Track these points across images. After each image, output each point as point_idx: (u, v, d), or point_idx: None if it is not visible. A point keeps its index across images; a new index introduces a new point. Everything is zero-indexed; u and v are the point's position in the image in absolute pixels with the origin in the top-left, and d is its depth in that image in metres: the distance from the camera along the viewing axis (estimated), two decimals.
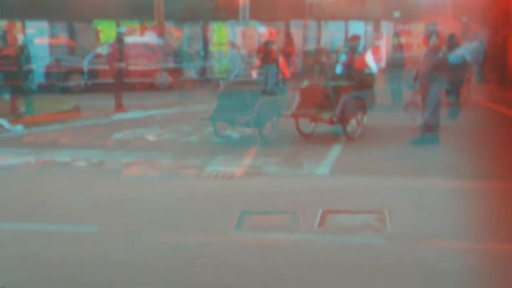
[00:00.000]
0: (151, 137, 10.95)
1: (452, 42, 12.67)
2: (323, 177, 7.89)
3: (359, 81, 10.84)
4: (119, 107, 14.84)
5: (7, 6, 18.49)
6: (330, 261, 4.77)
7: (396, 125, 11.77)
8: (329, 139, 10.51)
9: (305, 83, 11.15)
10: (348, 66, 11.07)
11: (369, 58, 11.34)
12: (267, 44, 11.96)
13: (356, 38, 11.72)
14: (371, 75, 11.24)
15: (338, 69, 11.27)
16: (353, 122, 10.93)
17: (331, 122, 10.30)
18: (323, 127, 11.14)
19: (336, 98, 10.32)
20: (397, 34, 15.97)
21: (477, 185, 7.28)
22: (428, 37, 11.18)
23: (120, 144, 10.34)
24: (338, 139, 10.44)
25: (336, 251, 5.06)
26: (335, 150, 9.57)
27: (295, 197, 6.78)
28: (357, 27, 25.74)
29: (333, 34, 26.28)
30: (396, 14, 26.88)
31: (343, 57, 11.35)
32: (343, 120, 10.37)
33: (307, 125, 10.90)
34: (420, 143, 9.76)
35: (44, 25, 23.06)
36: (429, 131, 10.00)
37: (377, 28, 27.02)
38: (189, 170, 8.16)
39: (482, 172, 7.89)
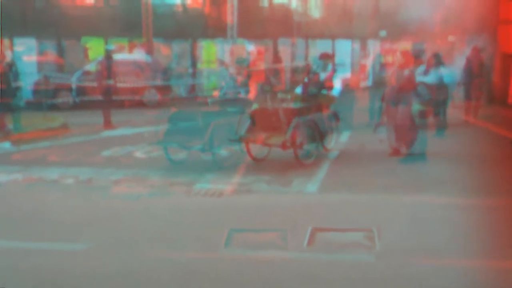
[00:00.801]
0: (140, 154, 10.96)
1: (438, 61, 12.84)
2: (312, 194, 7.93)
3: (315, 102, 10.32)
4: (108, 124, 14.83)
5: None
6: (320, 278, 4.80)
7: (369, 146, 11.43)
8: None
9: (255, 106, 10.29)
10: (307, 86, 10.44)
11: (336, 78, 11.08)
12: (237, 61, 11.91)
13: (325, 56, 11.18)
14: (329, 96, 10.78)
15: (298, 89, 10.61)
16: (313, 146, 10.20)
17: (284, 147, 9.58)
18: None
19: (287, 121, 9.67)
20: (379, 54, 16.13)
21: (467, 201, 7.33)
22: (415, 56, 11.32)
23: (108, 161, 10.33)
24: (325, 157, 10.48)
25: (326, 268, 5.09)
26: (324, 168, 9.62)
27: (284, 214, 6.81)
28: (344, 46, 26.00)
29: (320, 52, 26.48)
30: (383, 33, 27.18)
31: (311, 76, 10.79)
32: (295, 144, 9.66)
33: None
34: (407, 161, 9.82)
35: (32, 42, 23.06)
36: (397, 154, 10.03)
37: (364, 47, 27.30)
38: (179, 187, 8.17)
39: (472, 188, 7.96)
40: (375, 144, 11.00)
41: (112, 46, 17.44)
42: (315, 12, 29.48)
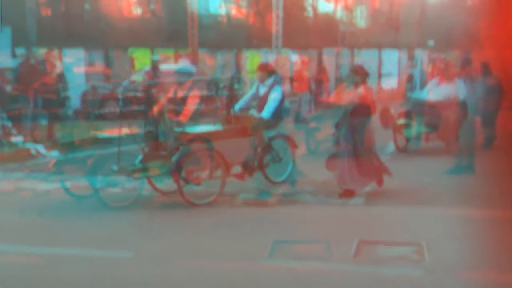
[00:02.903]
0: None
1: (485, 71, 11.87)
2: (357, 206, 7.77)
3: (234, 125, 8.43)
4: None
5: (45, 34, 19.00)
6: None
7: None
8: None
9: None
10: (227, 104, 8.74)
11: (275, 94, 8.38)
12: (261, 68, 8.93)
13: (263, 67, 8.82)
14: (255, 119, 8.42)
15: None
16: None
17: (175, 178, 7.61)
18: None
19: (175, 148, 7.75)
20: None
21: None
22: (462, 65, 10.60)
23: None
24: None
25: (374, 282, 4.96)
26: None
27: (329, 226, 6.69)
28: (391, 55, 25.67)
29: (366, 63, 26.23)
30: (430, 42, 26.76)
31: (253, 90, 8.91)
32: (177, 178, 7.59)
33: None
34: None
35: (81, 53, 23.54)
36: (348, 195, 7.96)
37: (411, 57, 26.91)
38: (223, 197, 8.11)
39: None
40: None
41: (157, 56, 17.63)
42: (361, 21, 29.28)
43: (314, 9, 29.03)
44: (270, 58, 25.38)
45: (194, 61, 23.08)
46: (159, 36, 23.43)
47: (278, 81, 8.67)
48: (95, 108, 19.39)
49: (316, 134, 11.25)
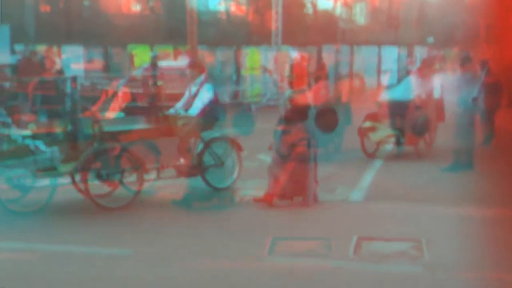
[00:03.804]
0: None
1: (483, 68, 11.42)
2: (357, 202, 7.77)
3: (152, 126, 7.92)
4: None
5: (44, 31, 18.97)
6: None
7: None
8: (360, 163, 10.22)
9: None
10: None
11: (204, 92, 7.93)
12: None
13: (192, 65, 8.63)
14: (182, 118, 7.96)
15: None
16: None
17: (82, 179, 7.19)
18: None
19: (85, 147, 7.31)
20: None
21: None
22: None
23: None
24: (371, 163, 10.18)
25: (373, 278, 4.96)
26: (369, 175, 9.40)
27: (328, 222, 6.70)
28: (390, 52, 25.65)
29: (366, 59, 26.22)
30: (430, 40, 26.73)
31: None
32: (84, 179, 7.18)
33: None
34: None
35: (80, 50, 23.52)
36: (268, 201, 7.22)
37: (411, 53, 26.90)
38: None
39: None
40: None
41: (155, 53, 17.63)
42: (360, 18, 29.25)
43: (314, 6, 29.00)
44: (270, 55, 25.40)
45: (194, 58, 23.06)
46: (158, 33, 23.40)
47: (209, 80, 8.21)
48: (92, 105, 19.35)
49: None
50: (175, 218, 7.07)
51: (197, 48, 23.36)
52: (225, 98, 19.90)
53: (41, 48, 14.56)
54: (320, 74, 11.13)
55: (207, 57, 24.23)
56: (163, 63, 18.33)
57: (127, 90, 8.41)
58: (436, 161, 9.99)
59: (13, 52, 16.93)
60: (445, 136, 10.30)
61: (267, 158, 9.58)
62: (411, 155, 10.66)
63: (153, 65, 15.22)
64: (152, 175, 7.69)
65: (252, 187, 8.27)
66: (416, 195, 7.98)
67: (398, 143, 10.86)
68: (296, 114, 7.47)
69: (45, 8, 25.44)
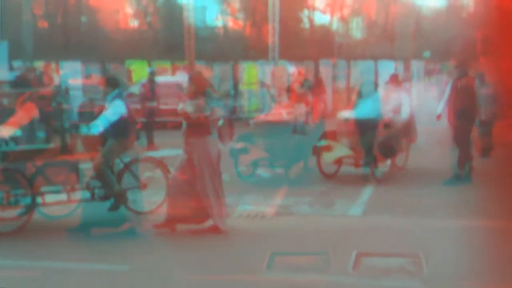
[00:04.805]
0: None
1: (481, 81, 11.70)
2: (356, 217, 7.77)
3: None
4: (151, 146, 14.99)
5: (42, 47, 19.05)
6: None
7: None
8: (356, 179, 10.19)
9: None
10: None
11: (111, 109, 7.47)
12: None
13: (102, 82, 8.21)
14: (81, 136, 7.83)
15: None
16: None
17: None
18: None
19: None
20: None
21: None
22: (457, 76, 9.45)
23: (149, 182, 10.26)
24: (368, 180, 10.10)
25: None
26: (368, 190, 9.37)
27: (327, 237, 6.69)
28: (387, 67, 25.74)
29: (362, 74, 26.32)
30: (426, 54, 26.87)
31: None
32: None
33: None
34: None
35: (77, 65, 23.59)
36: (169, 227, 6.79)
37: (407, 68, 27.02)
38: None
39: None
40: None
41: (153, 68, 17.71)
42: (357, 33, 29.42)
43: (311, 20, 29.17)
44: (267, 69, 25.49)
45: (191, 73, 23.14)
46: (156, 48, 23.51)
47: (121, 95, 7.70)
48: (92, 121, 19.38)
49: (242, 156, 9.96)
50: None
51: (194, 63, 23.46)
52: (224, 113, 19.94)
53: (39, 64, 14.60)
54: (317, 89, 11.24)
55: (205, 72, 24.31)
56: (160, 79, 18.42)
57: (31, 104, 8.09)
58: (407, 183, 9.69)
59: (11, 68, 16.95)
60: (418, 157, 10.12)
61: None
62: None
63: (151, 80, 15.37)
64: (53, 197, 7.22)
65: None
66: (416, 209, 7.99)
67: (357, 164, 9.74)
68: (191, 130, 6.94)
69: (43, 24, 25.57)
